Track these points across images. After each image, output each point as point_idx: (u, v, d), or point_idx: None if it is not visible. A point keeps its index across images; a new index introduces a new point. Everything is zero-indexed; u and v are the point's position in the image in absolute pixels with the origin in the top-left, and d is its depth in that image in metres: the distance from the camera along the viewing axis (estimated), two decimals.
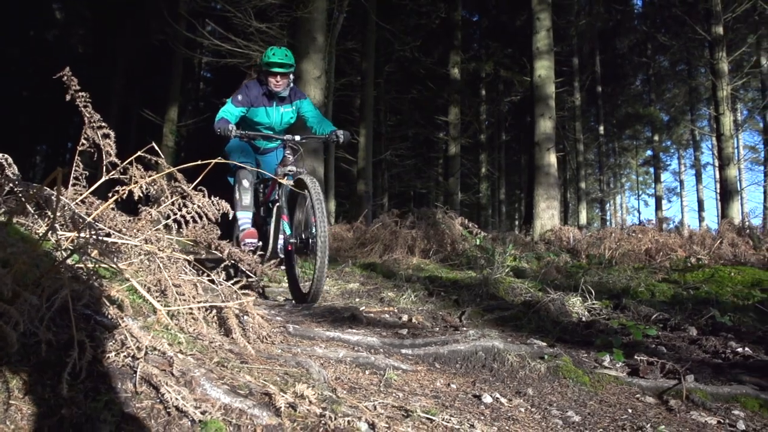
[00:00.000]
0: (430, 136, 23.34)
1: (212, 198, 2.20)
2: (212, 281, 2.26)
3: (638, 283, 5.32)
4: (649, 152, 30.69)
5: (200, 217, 2.16)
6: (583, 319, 3.98)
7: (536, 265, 6.90)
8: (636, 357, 2.84)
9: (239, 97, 4.86)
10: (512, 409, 2.12)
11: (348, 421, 1.28)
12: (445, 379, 2.43)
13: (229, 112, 4.79)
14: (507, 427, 1.87)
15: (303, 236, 4.16)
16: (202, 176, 2.57)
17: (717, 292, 4.86)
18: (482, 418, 1.94)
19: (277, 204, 4.54)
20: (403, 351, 2.66)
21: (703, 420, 2.23)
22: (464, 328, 3.41)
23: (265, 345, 2.37)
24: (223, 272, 2.27)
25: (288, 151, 4.51)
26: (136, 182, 2.05)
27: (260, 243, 4.73)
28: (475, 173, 25.11)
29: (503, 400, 2.21)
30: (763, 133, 23.58)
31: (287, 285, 4.59)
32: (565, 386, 2.50)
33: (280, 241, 4.56)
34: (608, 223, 29.37)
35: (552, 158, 10.70)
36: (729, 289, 5.01)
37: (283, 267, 4.66)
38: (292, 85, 5.00)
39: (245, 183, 4.79)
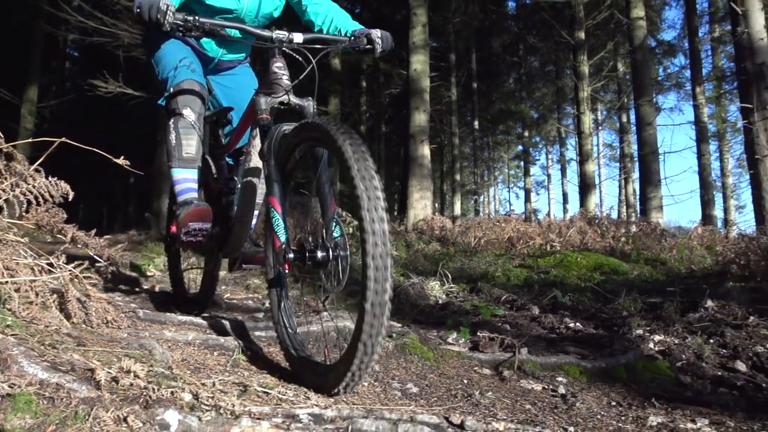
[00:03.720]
0: None
1: (50, 179, 2.13)
2: (51, 265, 2.19)
3: (496, 269, 5.66)
4: (519, 147, 32.48)
5: (37, 200, 2.08)
6: (440, 301, 4.20)
7: (405, 252, 7.13)
8: (479, 334, 3.06)
9: None
10: None
11: (172, 392, 1.32)
12: None
13: None
14: (344, 399, 1.97)
15: (312, 243, 2.09)
16: (45, 156, 2.46)
17: (564, 275, 5.28)
18: None
19: (250, 165, 2.57)
20: (257, 333, 2.70)
21: (530, 387, 2.45)
22: (325, 312, 3.50)
23: (110, 329, 2.33)
24: (63, 255, 2.20)
25: (278, 64, 2.44)
26: None
27: (216, 228, 2.90)
28: None
29: None
30: (619, 132, 25.64)
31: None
32: (410, 362, 2.65)
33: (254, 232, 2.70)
34: (480, 213, 30.74)
35: (426, 150, 11.05)
36: (575, 272, 5.46)
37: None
38: None
39: (189, 114, 2.74)
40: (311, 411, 1.28)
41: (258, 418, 1.21)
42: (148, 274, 5.01)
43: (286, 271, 2.15)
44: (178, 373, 1.66)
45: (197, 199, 2.79)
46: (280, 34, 2.45)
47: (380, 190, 1.75)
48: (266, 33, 2.45)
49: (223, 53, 3.06)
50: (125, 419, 1.15)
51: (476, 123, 25.71)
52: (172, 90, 2.77)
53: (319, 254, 2.04)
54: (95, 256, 2.61)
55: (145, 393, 1.29)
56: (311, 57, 2.43)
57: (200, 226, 2.70)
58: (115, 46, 10.55)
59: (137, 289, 4.05)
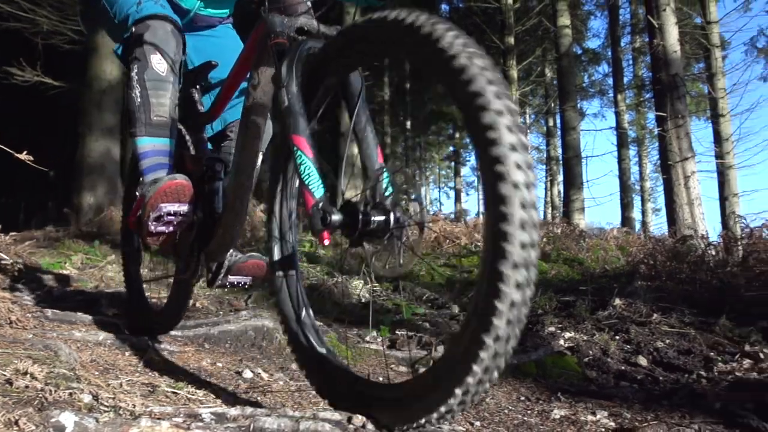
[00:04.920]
0: None
1: None
2: None
3: (421, 268, 5.75)
4: (450, 148, 33.04)
5: None
6: (363, 300, 4.25)
7: (330, 250, 7.15)
8: (398, 332, 3.12)
9: None
10: (271, 382, 2.22)
11: (70, 393, 1.29)
12: (212, 359, 2.48)
13: None
14: (256, 396, 1.98)
15: (369, 205, 1.36)
16: None
17: None
18: (235, 389, 2.03)
19: (254, 101, 1.77)
20: (172, 333, 2.66)
21: None
22: (245, 312, 3.48)
23: (14, 330, 2.24)
24: None
25: None
26: None
27: (198, 213, 2.09)
28: None
29: (264, 375, 2.31)
30: (546, 136, 26.43)
31: None
32: None
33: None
34: None
35: (356, 149, 11.10)
36: None
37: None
38: None
39: (160, 61, 2.04)
40: (214, 410, 1.28)
41: (158, 418, 1.21)
42: (64, 272, 4.82)
43: (326, 242, 1.35)
44: (83, 375, 1.63)
45: (166, 170, 2.04)
46: None
47: (525, 133, 1.07)
48: None
49: (200, 6, 2.34)
50: (17, 422, 1.12)
51: (408, 123, 25.97)
52: (134, 29, 2.05)
53: (378, 218, 1.31)
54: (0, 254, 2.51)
55: (41, 395, 1.26)
56: None
57: (176, 209, 1.92)
58: (34, 32, 10.08)
59: (48, 289, 3.90)
